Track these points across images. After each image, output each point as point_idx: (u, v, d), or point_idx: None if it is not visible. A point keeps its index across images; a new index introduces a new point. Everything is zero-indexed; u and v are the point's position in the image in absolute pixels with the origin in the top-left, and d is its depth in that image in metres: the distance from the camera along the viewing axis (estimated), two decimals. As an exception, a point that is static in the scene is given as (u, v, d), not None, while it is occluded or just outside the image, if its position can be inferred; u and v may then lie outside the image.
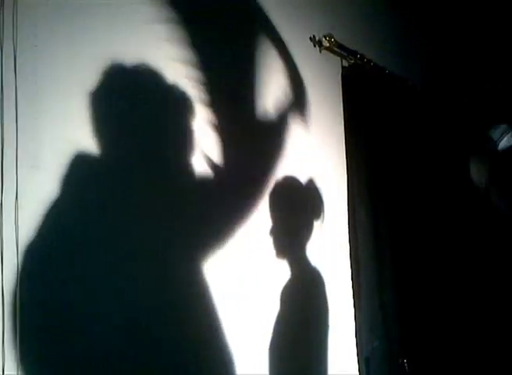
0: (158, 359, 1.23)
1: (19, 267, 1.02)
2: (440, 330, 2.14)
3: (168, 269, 1.29)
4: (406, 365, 1.89)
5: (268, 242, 1.60)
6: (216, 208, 1.44)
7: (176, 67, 1.38)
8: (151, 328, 1.23)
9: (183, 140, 1.38)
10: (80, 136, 1.17)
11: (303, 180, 1.75)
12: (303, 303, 1.66)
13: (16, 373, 0.99)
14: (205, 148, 1.42)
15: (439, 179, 2.38)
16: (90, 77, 1.21)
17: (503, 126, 1.66)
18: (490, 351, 2.26)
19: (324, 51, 1.94)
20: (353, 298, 1.84)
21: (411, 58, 2.50)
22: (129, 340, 1.19)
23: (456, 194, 2.45)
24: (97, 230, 1.17)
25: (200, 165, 1.40)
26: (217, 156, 1.47)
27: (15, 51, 1.08)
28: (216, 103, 1.47)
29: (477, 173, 1.68)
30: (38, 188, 1.08)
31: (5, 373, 0.98)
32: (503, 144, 1.65)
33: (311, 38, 1.91)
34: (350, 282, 1.84)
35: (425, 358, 2.05)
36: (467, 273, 2.36)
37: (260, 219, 1.57)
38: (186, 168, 1.38)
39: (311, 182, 1.78)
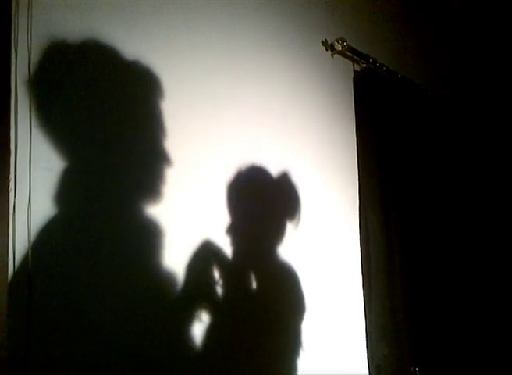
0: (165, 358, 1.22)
1: (32, 269, 1.02)
2: (451, 338, 2.11)
3: (171, 270, 1.28)
4: (417, 373, 1.86)
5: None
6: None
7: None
8: (156, 328, 1.22)
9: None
10: (93, 138, 1.17)
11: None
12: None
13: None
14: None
15: (452, 185, 2.36)
16: (104, 79, 1.20)
17: None
18: (502, 359, 2.23)
19: (336, 56, 1.93)
20: (364, 305, 1.82)
21: (424, 63, 2.48)
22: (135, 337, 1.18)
23: (469, 200, 2.42)
24: (106, 230, 1.17)
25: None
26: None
27: (29, 54, 1.08)
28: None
29: None
30: (51, 190, 1.07)
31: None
32: None
33: (323, 42, 1.90)
34: (361, 289, 1.83)
35: (437, 366, 2.03)
36: (478, 280, 2.33)
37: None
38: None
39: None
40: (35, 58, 1.09)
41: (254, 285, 1.49)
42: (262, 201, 1.57)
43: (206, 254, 1.37)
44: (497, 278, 2.39)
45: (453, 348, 2.10)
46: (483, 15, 2.62)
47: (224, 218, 1.44)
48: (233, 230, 1.45)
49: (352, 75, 1.96)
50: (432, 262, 2.13)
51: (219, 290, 1.38)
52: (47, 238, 1.05)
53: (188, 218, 1.34)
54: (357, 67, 1.99)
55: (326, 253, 1.75)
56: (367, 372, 1.77)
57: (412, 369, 1.85)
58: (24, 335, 0.99)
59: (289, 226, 1.63)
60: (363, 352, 1.78)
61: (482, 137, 2.58)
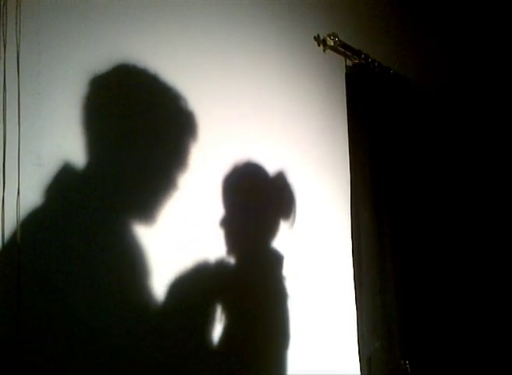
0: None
1: (21, 264, 1.02)
2: (442, 331, 2.13)
3: (163, 262, 1.29)
4: (408, 366, 1.88)
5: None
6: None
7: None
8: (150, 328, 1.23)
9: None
10: (82, 133, 1.18)
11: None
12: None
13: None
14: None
15: (444, 180, 2.37)
16: (91, 78, 1.21)
17: None
18: (492, 353, 2.25)
19: (328, 51, 1.94)
20: (356, 298, 1.83)
21: (416, 59, 2.49)
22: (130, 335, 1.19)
23: (460, 196, 2.44)
24: (100, 228, 1.17)
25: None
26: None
27: (18, 51, 1.08)
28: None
29: None
30: (40, 186, 1.08)
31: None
32: None
33: (315, 37, 1.90)
34: (353, 283, 1.84)
35: (427, 359, 2.04)
36: (469, 275, 2.35)
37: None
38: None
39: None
40: (24, 53, 1.09)
41: (250, 282, 1.51)
42: (255, 198, 1.58)
43: (199, 250, 1.38)
44: (491, 274, 2.40)
45: (444, 341, 2.12)
46: (477, 10, 2.62)
47: (218, 216, 1.44)
48: (228, 228, 1.46)
49: (344, 70, 1.96)
50: (424, 257, 2.14)
51: (213, 288, 1.40)
52: (35, 233, 1.06)
53: (181, 215, 1.34)
54: (349, 62, 1.99)
55: (318, 248, 1.76)
56: (358, 365, 1.79)
57: (402, 362, 1.87)
58: (14, 332, 1.00)
59: (284, 224, 1.64)
60: (354, 345, 1.80)
61: (476, 134, 2.59)
